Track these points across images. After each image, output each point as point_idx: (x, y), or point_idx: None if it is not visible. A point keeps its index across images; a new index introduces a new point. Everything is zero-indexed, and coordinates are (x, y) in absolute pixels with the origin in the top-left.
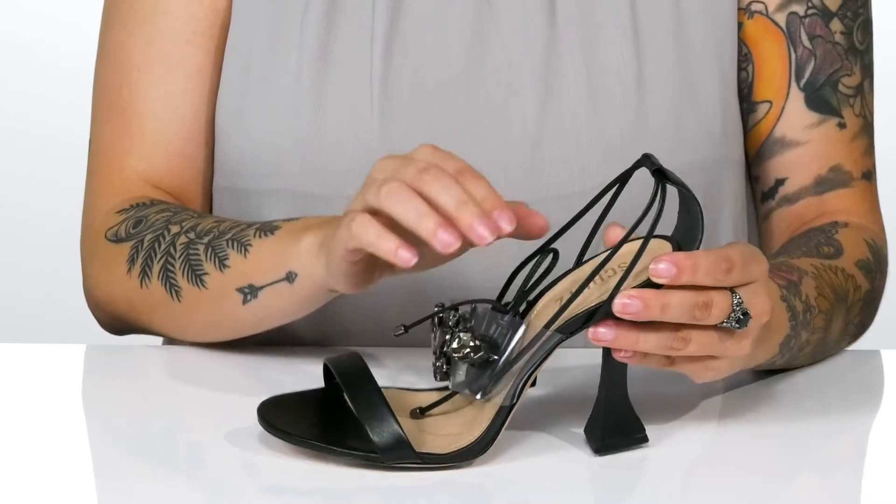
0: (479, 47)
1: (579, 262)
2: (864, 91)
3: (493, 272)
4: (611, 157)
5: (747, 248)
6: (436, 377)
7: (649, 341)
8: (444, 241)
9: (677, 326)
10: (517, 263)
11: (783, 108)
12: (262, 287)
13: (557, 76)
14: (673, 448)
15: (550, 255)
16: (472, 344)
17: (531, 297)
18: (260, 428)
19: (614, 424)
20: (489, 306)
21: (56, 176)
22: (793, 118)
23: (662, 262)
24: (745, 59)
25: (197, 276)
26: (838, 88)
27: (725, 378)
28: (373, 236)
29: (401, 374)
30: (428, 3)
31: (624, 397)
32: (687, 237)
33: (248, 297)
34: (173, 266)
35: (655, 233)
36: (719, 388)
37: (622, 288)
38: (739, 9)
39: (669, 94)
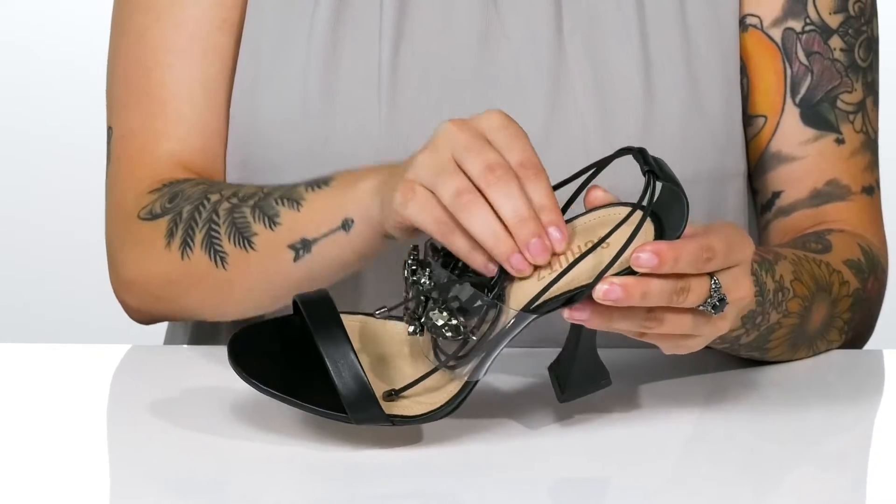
0: (486, 48)
1: None
2: (866, 108)
3: None
4: (617, 162)
5: (732, 232)
6: (408, 329)
7: (623, 321)
8: (517, 266)
9: (652, 307)
10: None
11: (778, 123)
12: (315, 240)
13: (564, 79)
14: (672, 441)
15: None
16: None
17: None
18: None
19: (583, 371)
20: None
21: (56, 176)
22: (788, 133)
23: (644, 252)
24: (740, 71)
25: (244, 238)
26: (837, 105)
27: (726, 374)
28: (465, 250)
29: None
30: (433, 1)
31: (594, 346)
32: (670, 218)
33: (301, 252)
34: (217, 232)
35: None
36: (720, 383)
37: (606, 274)
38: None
39: (677, 103)
